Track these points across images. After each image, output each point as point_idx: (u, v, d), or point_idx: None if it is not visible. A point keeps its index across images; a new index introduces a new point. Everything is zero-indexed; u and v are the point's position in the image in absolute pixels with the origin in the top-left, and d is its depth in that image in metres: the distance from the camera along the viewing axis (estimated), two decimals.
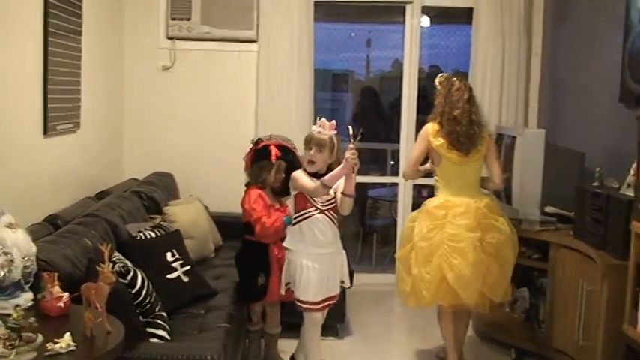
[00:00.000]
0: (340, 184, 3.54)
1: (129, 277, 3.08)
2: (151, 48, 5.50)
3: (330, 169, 3.58)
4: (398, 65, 8.93)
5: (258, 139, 4.10)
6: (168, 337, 3.14)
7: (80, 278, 2.89)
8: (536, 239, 4.23)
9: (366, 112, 8.66)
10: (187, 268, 3.82)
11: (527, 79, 5.66)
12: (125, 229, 3.79)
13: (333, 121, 3.60)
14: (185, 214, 4.54)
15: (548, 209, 4.32)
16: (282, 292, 3.74)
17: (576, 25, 5.14)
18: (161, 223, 4.18)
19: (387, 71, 9.67)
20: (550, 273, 4.13)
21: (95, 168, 4.85)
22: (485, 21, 5.51)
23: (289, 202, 3.93)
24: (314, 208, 3.57)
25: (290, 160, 3.96)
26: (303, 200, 3.59)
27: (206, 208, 4.93)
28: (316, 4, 5.54)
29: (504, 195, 4.59)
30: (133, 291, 3.08)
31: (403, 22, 5.80)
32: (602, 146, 4.45)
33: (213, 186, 5.39)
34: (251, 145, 4.07)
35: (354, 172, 3.40)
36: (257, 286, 3.95)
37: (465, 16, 5.89)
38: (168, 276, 3.67)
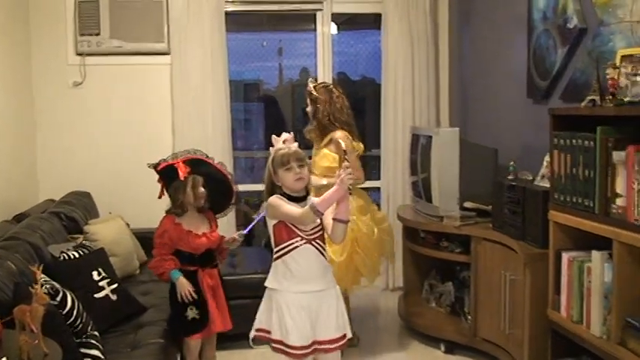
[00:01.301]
0: (330, 208, 2.97)
1: (58, 298, 3.01)
2: (60, 64, 5.38)
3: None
4: (305, 74, 9.03)
5: (158, 161, 3.64)
6: (102, 357, 3.09)
7: (7, 303, 2.81)
8: (458, 234, 4.36)
9: (277, 120, 8.74)
10: (115, 286, 3.77)
11: (437, 80, 5.84)
12: (47, 251, 3.70)
13: (291, 133, 3.10)
14: (107, 232, 4.46)
15: (467, 204, 4.46)
16: (252, 336, 3.12)
17: (481, 26, 5.34)
18: (83, 242, 4.09)
19: (295, 80, 9.76)
20: (473, 266, 4.27)
21: (9, 190, 4.70)
22: (393, 26, 5.65)
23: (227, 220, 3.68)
24: (299, 238, 2.99)
25: (205, 171, 3.63)
26: (285, 230, 2.99)
27: (127, 225, 4.85)
28: (227, 14, 5.54)
29: (424, 192, 4.71)
30: (64, 312, 3.01)
31: (314, 30, 5.88)
32: (514, 141, 4.64)
33: (132, 202, 5.30)
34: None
35: (351, 193, 2.90)
36: (187, 321, 3.56)
37: (371, 22, 6.03)
38: (96, 295, 3.62)
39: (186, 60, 5.41)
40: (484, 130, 5.23)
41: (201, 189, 3.58)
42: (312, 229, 3.02)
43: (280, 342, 2.98)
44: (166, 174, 3.58)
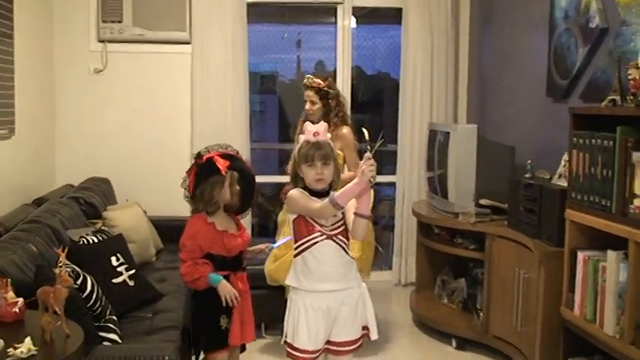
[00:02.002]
0: (351, 202, 2.79)
1: (79, 281, 3.05)
2: (82, 51, 5.43)
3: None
4: (321, 66, 9.05)
5: (199, 152, 3.30)
6: (120, 341, 3.13)
7: (28, 284, 2.86)
8: (472, 231, 4.38)
9: (292, 113, 8.83)
10: (132, 272, 3.80)
11: (456, 76, 5.85)
12: (67, 235, 3.74)
13: (324, 125, 2.86)
14: (125, 219, 4.50)
15: (483, 201, 4.47)
16: (283, 342, 2.90)
17: (502, 24, 5.33)
18: (102, 227, 4.14)
19: (310, 72, 9.79)
20: (487, 263, 4.28)
21: (29, 174, 4.76)
22: (414, 21, 5.67)
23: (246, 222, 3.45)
24: (319, 233, 2.80)
25: (239, 167, 3.29)
26: (305, 224, 2.81)
27: (144, 212, 4.89)
28: (249, 5, 5.56)
29: (439, 188, 4.73)
30: (83, 295, 3.05)
31: (334, 23, 5.89)
32: (531, 139, 4.64)
33: (150, 190, 5.36)
34: (191, 163, 3.30)
35: (371, 186, 2.71)
36: (220, 331, 3.17)
37: (391, 16, 6.04)
38: (114, 280, 3.64)
39: (208, 50, 5.44)
40: (502, 127, 5.23)
41: (237, 186, 3.27)
42: (334, 223, 2.82)
43: (289, 344, 2.84)
44: (203, 167, 3.21)
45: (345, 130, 4.30)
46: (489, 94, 5.58)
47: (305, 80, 4.35)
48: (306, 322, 2.81)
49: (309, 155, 2.78)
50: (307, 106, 4.34)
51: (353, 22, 6.38)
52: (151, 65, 5.54)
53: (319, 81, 4.33)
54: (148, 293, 3.88)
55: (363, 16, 7.20)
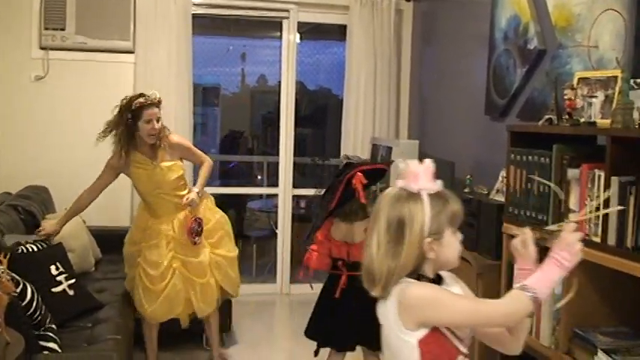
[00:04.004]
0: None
1: (18, 289, 3.01)
2: (23, 58, 5.33)
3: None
4: (264, 80, 9.12)
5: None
6: (60, 350, 3.09)
7: None
8: None
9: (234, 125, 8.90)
10: (72, 281, 3.76)
11: (398, 93, 5.97)
12: (4, 242, 3.68)
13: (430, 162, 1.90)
14: (64, 228, 4.42)
15: None
16: None
17: (443, 43, 5.48)
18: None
19: (252, 86, 9.85)
20: None
21: None
22: (358, 38, 5.76)
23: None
24: (462, 357, 1.86)
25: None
26: (443, 344, 1.81)
27: (84, 221, 4.83)
28: (194, 17, 5.57)
29: None
30: (23, 304, 3.01)
31: (279, 38, 5.94)
32: (470, 156, 4.77)
33: None
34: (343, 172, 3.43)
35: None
36: None
37: (335, 32, 6.13)
38: (54, 289, 3.61)
39: (151, 60, 5.41)
40: (442, 143, 5.36)
41: None
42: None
43: None
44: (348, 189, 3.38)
45: (177, 136, 4.25)
46: (430, 111, 5.71)
47: (151, 96, 4.01)
48: None
49: (456, 217, 1.89)
50: (154, 125, 3.97)
51: (297, 37, 6.44)
52: (93, 74, 5.47)
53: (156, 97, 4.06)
54: (88, 303, 3.85)
55: (307, 31, 7.27)
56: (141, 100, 3.97)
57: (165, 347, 4.28)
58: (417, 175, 1.84)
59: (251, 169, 8.25)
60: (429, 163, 1.87)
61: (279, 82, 5.96)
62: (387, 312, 1.82)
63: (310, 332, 3.75)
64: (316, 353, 3.73)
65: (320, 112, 9.14)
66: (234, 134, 9.61)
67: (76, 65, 5.43)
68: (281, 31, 5.90)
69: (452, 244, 1.87)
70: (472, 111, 4.81)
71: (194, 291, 4.05)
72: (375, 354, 3.66)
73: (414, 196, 1.81)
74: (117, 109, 4.01)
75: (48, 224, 4.07)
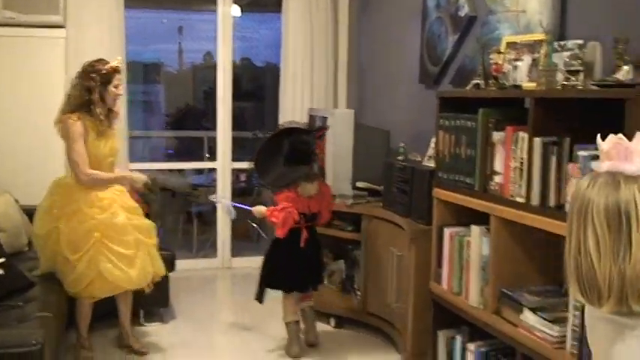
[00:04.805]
0: None
1: None
2: None
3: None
4: (210, 57, 9.01)
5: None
6: None
7: None
8: (350, 213, 4.49)
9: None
10: (2, 260, 3.67)
11: (336, 63, 5.93)
12: None
13: None
14: None
15: (360, 184, 4.59)
16: None
17: (379, 12, 5.47)
18: None
19: (198, 63, 9.74)
20: (363, 243, 4.41)
21: None
22: (294, 9, 5.71)
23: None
24: None
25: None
26: None
27: (16, 201, 4.72)
28: None
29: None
30: None
31: (215, 11, 5.84)
32: (406, 124, 4.80)
33: (21, 179, 5.14)
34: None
35: None
36: None
37: (274, 4, 6.06)
38: None
39: (83, 35, 5.25)
40: (379, 113, 5.38)
41: None
42: None
43: None
44: None
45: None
46: (368, 81, 5.71)
47: (116, 64, 3.98)
48: None
49: None
50: (120, 90, 4.04)
51: (237, 10, 6.36)
52: (23, 50, 5.29)
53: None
54: (19, 282, 3.76)
55: (248, 4, 7.20)
56: (113, 64, 3.96)
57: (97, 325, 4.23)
58: (632, 153, 1.46)
59: (201, 145, 8.18)
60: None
61: (241, 58, 5.88)
62: None
63: (276, 283, 4.20)
64: (262, 300, 4.24)
65: (263, 87, 9.09)
66: (179, 111, 9.52)
67: (5, 41, 5.24)
68: (216, 3, 5.80)
69: None
70: (407, 79, 4.83)
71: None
72: (311, 294, 4.32)
73: (629, 181, 1.43)
74: (83, 75, 3.92)
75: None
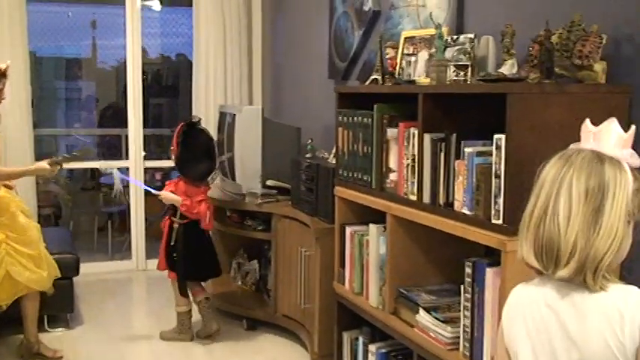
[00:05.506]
0: None
1: None
2: None
3: None
4: (146, 53, 8.80)
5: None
6: None
7: None
8: (260, 212, 4.39)
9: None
10: None
11: (250, 59, 5.81)
12: None
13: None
14: None
15: (270, 182, 4.49)
16: None
17: (291, 8, 5.39)
18: None
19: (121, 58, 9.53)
20: (273, 243, 4.31)
21: None
22: (205, 2, 5.56)
23: None
24: None
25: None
26: None
27: None
28: None
29: (229, 171, 4.70)
30: None
31: (123, 4, 5.65)
32: (316, 121, 4.72)
33: None
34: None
35: None
36: None
37: None
38: None
39: None
40: (292, 110, 5.31)
41: None
42: None
43: None
44: None
45: None
46: (282, 78, 5.63)
47: (4, 67, 3.81)
48: None
49: None
50: (4, 95, 3.89)
51: (157, 4, 6.19)
52: None
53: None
54: None
55: None
56: (2, 67, 3.80)
57: None
58: (621, 139, 1.50)
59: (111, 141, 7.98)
60: (633, 131, 1.53)
61: (162, 54, 5.71)
62: (607, 317, 1.42)
63: (194, 275, 4.29)
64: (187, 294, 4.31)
65: (183, 83, 8.93)
66: (105, 108, 9.28)
67: None
68: None
69: (629, 236, 1.48)
70: (317, 75, 4.76)
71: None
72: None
73: (614, 162, 1.46)
74: None
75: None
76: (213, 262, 4.37)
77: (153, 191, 4.36)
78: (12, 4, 5.10)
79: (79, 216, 7.20)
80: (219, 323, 4.35)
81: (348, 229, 3.29)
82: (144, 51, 8.41)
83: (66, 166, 4.38)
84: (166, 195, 4.16)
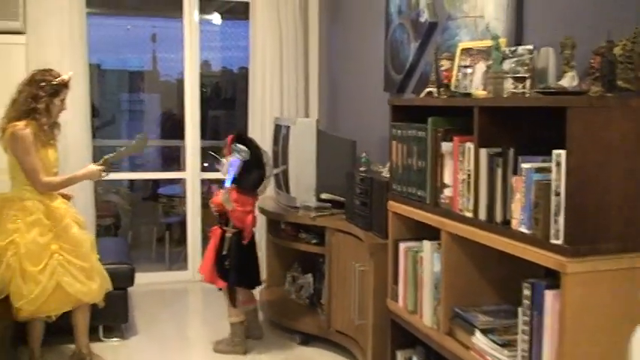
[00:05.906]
0: None
1: None
2: None
3: None
4: (207, 67, 8.90)
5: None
6: None
7: None
8: (314, 225, 4.34)
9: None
10: None
11: (306, 72, 5.81)
12: None
13: None
14: None
15: (324, 196, 4.45)
16: None
17: (348, 19, 5.35)
18: None
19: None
20: (327, 257, 4.26)
21: None
22: (262, 15, 5.58)
23: None
24: None
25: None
26: None
27: None
28: None
29: (284, 183, 4.68)
30: None
31: (181, 18, 5.70)
32: (371, 134, 4.66)
33: None
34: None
35: None
36: None
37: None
38: None
39: (43, 41, 5.13)
40: (349, 123, 5.25)
41: None
42: None
43: None
44: None
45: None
46: (338, 90, 5.58)
47: (67, 78, 3.94)
48: None
49: None
50: (65, 104, 3.99)
51: (217, 18, 6.23)
52: None
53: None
54: None
55: (228, 11, 7.06)
56: (65, 78, 3.91)
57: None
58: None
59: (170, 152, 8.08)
60: None
61: (223, 67, 5.77)
62: None
63: (246, 282, 4.34)
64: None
65: (242, 95, 8.98)
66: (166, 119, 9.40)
67: None
68: (181, 8, 5.66)
69: None
70: (373, 88, 4.70)
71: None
72: None
73: None
74: (32, 83, 3.85)
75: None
76: (259, 271, 4.43)
77: (227, 185, 4.12)
78: (72, 16, 5.20)
79: (138, 226, 7.28)
80: (263, 332, 4.49)
81: (402, 245, 3.21)
82: (206, 64, 8.52)
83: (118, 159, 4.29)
84: (225, 196, 4.10)
